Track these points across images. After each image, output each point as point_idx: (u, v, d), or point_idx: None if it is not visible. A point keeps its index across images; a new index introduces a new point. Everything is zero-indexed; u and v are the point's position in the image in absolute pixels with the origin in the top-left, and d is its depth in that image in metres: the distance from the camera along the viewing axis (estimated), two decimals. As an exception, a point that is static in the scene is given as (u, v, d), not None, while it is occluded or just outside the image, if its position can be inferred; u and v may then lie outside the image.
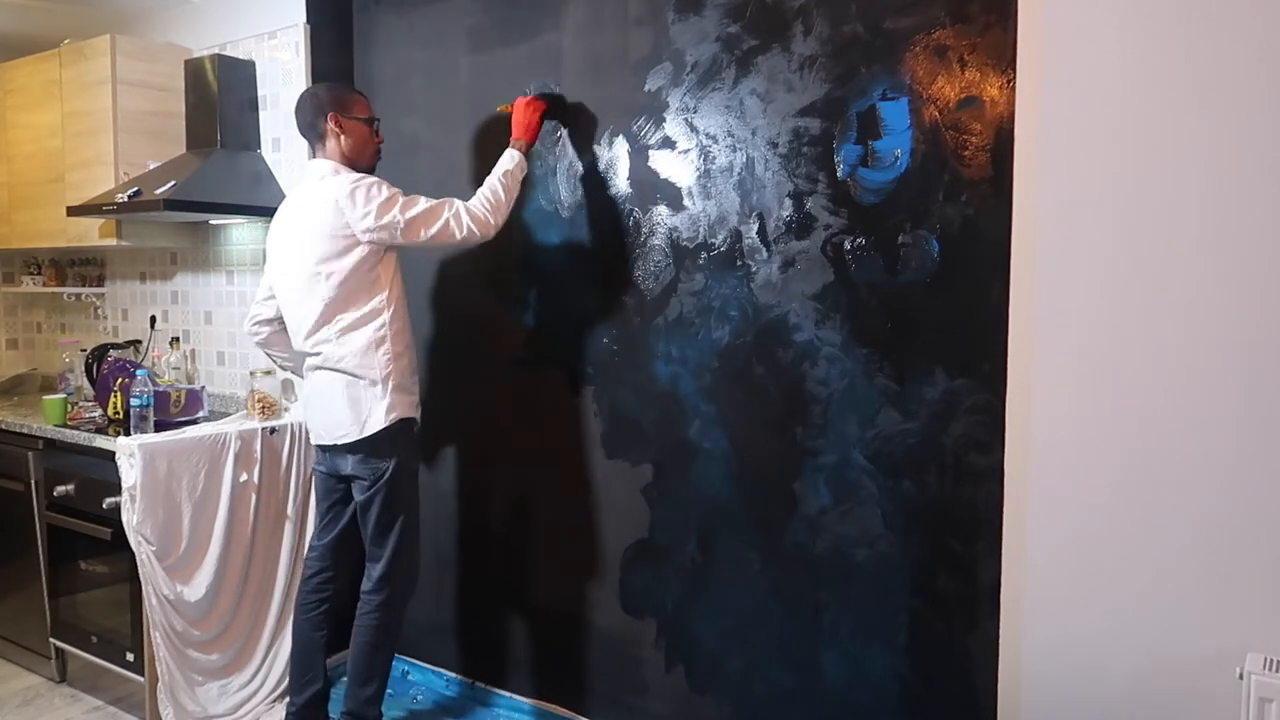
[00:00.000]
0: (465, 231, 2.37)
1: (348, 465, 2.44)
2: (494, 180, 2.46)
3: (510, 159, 2.49)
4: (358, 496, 2.46)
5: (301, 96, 2.50)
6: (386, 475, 2.40)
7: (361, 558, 2.52)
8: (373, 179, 2.36)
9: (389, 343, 2.37)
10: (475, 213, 2.39)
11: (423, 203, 2.36)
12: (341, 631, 2.58)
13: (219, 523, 2.78)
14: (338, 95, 2.45)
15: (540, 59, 2.64)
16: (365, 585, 2.50)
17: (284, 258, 2.46)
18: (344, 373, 2.37)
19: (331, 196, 2.32)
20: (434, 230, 2.35)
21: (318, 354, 2.41)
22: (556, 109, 2.60)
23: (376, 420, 2.36)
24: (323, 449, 2.50)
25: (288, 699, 2.66)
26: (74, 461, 3.01)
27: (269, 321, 2.59)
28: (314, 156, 2.47)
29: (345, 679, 2.56)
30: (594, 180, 2.56)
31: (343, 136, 2.42)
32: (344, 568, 2.60)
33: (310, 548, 2.68)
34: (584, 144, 2.58)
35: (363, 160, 2.46)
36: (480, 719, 2.83)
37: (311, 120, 2.44)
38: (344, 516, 2.56)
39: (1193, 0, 1.66)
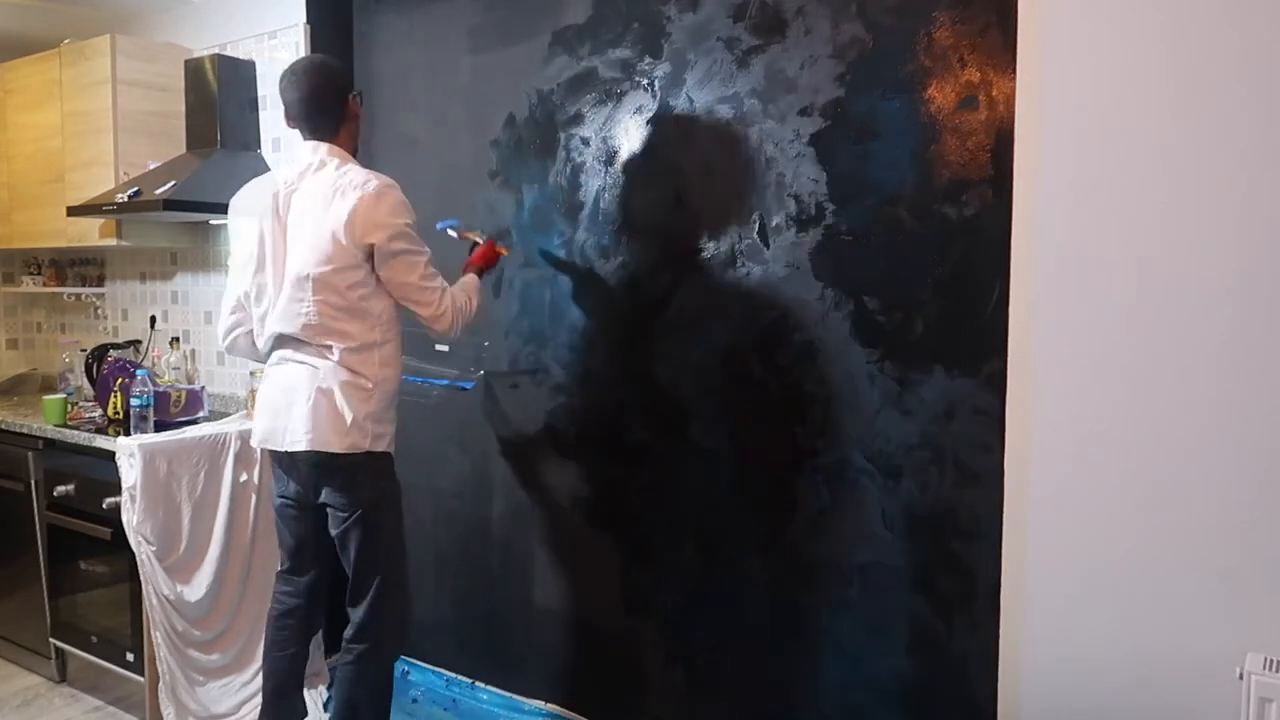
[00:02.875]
0: (450, 318, 2.18)
1: (322, 492, 2.20)
2: (472, 297, 2.30)
3: (474, 282, 2.36)
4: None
5: (311, 68, 2.16)
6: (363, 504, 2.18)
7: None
8: (404, 199, 2.12)
9: (379, 364, 2.15)
10: (462, 313, 2.22)
11: (436, 275, 2.18)
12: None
13: (219, 523, 2.78)
14: (347, 71, 2.15)
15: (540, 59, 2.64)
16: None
17: (285, 239, 2.17)
18: (330, 387, 2.11)
19: (355, 200, 2.05)
20: (431, 298, 2.15)
21: (291, 353, 2.18)
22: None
23: (356, 440, 2.12)
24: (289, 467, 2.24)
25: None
26: (74, 461, 3.01)
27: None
28: (314, 139, 2.16)
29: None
30: (594, 180, 2.56)
31: (358, 120, 2.20)
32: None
33: None
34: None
35: (352, 147, 2.24)
36: (481, 719, 2.83)
37: (334, 101, 2.13)
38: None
39: (1193, 0, 1.66)
